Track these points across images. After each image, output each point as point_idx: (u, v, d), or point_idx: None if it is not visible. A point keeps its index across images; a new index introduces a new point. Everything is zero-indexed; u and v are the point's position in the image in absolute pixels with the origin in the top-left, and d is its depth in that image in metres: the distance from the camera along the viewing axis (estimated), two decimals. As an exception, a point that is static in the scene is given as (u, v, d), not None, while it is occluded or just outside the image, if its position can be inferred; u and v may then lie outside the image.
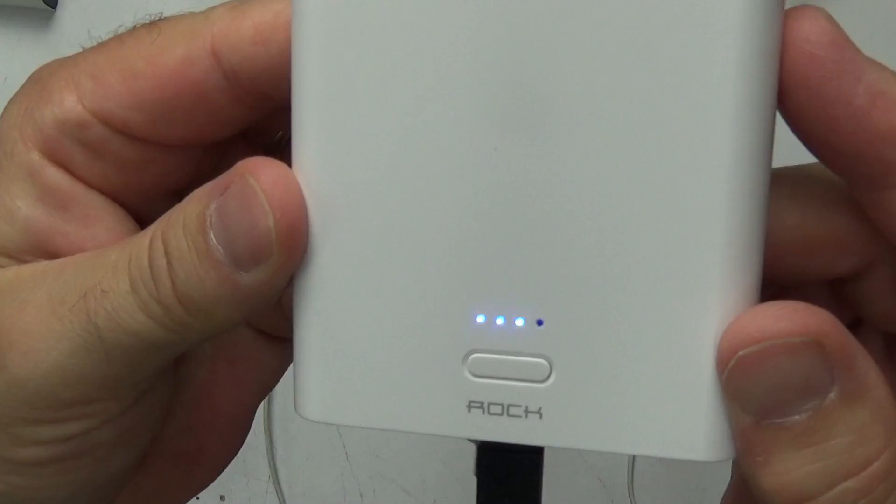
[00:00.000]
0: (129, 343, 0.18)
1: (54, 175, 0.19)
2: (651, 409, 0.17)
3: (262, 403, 0.62)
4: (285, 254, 0.17)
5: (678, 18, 0.16)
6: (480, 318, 0.18)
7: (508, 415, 0.18)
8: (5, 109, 0.20)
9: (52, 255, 0.19)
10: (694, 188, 0.17)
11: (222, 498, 0.59)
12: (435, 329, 0.18)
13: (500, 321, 0.18)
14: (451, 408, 0.18)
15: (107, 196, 0.20)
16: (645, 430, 0.18)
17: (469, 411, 0.18)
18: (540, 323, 0.17)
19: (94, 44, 0.21)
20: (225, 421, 0.25)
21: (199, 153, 0.21)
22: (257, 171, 0.17)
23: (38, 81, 0.20)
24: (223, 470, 0.26)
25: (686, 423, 0.17)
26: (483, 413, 0.18)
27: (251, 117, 0.20)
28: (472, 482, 0.59)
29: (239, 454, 0.63)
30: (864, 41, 0.55)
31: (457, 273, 0.17)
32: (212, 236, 0.17)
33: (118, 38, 0.20)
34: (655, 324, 0.17)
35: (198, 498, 0.62)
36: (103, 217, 0.20)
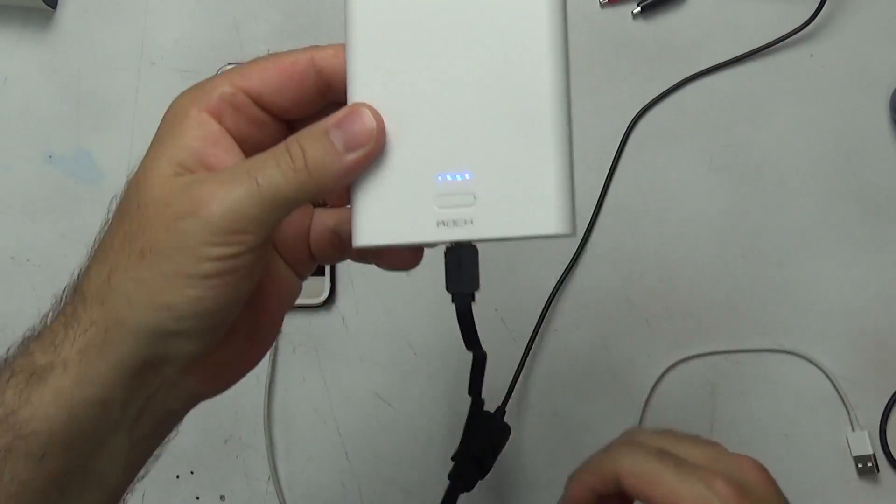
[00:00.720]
0: (272, 194, 0.31)
1: (213, 125, 0.33)
2: (528, 212, 0.32)
3: (262, 405, 0.62)
4: (376, 141, 0.32)
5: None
6: (441, 177, 0.33)
7: (456, 225, 0.33)
8: (179, 96, 0.34)
9: (207, 168, 0.33)
10: (530, 84, 0.32)
11: (222, 498, 0.59)
12: (422, 185, 0.33)
13: (450, 177, 0.33)
14: (430, 226, 0.33)
15: (235, 139, 0.34)
16: (526, 223, 0.32)
17: (437, 227, 0.33)
18: (468, 174, 0.33)
19: None
20: (269, 316, 0.37)
21: (283, 126, 0.35)
22: (364, 103, 0.33)
23: (199, 83, 0.34)
24: (265, 354, 0.38)
25: (547, 215, 0.32)
26: (446, 226, 0.33)
27: (319, 105, 0.34)
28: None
29: (239, 454, 0.63)
30: (869, 40, 0.53)
31: (431, 152, 0.33)
32: (331, 135, 0.32)
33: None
34: (525, 169, 0.32)
35: (198, 498, 0.62)
36: (231, 150, 0.33)
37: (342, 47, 0.34)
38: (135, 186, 0.33)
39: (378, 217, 0.33)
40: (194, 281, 0.31)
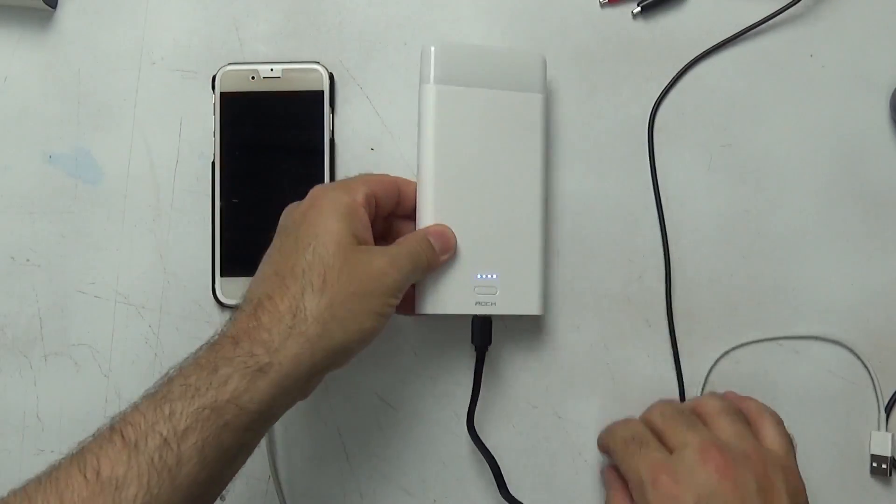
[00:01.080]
0: (415, 272, 0.50)
1: (364, 213, 0.50)
2: (523, 301, 0.55)
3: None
4: (454, 249, 0.53)
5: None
6: (479, 276, 0.54)
7: (485, 305, 0.54)
8: (330, 191, 0.50)
9: (363, 242, 0.49)
10: (527, 215, 0.56)
11: (222, 498, 0.59)
12: (468, 279, 0.54)
13: (484, 276, 0.54)
14: (470, 305, 0.54)
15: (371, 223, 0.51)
16: (522, 307, 0.55)
17: (475, 305, 0.54)
18: (495, 276, 0.55)
19: None
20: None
21: (379, 220, 0.54)
22: (445, 225, 0.54)
23: (343, 184, 0.51)
24: None
25: (533, 303, 0.56)
26: (479, 305, 0.54)
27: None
28: (471, 483, 0.59)
29: (239, 454, 0.62)
30: (867, 38, 0.53)
31: (475, 256, 0.54)
32: (430, 241, 0.52)
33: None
34: (524, 277, 0.55)
35: (198, 498, 0.61)
36: (369, 231, 0.50)
37: (415, 183, 0.54)
38: (334, 248, 0.48)
39: (438, 296, 0.54)
40: (377, 317, 0.48)
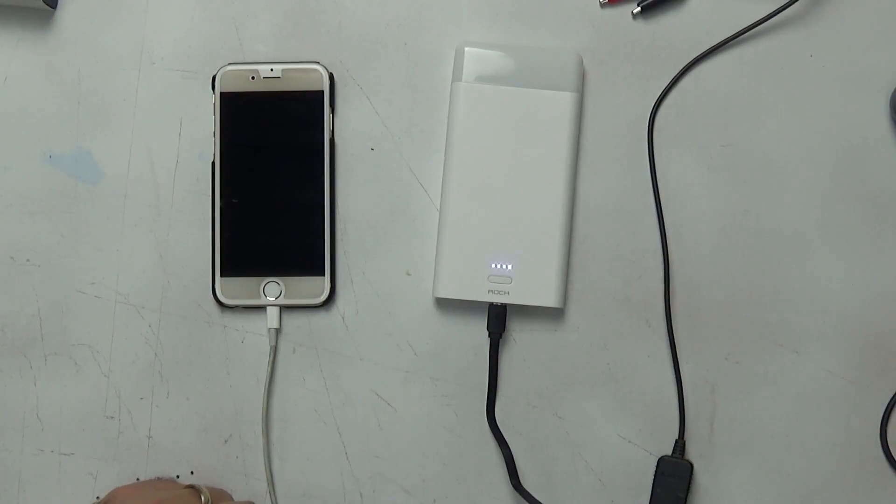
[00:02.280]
0: None
1: None
2: (540, 291, 0.57)
3: (261, 404, 0.62)
4: None
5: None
6: (493, 265, 0.57)
7: (499, 294, 0.56)
8: None
9: None
10: (551, 205, 0.57)
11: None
12: (482, 265, 0.57)
13: (499, 266, 0.57)
14: (483, 292, 0.56)
15: None
16: (539, 297, 0.57)
17: (488, 293, 0.56)
18: (510, 265, 0.57)
19: None
20: None
21: None
22: None
23: None
24: None
25: (550, 294, 0.57)
26: (493, 293, 0.56)
27: None
28: (472, 483, 0.59)
29: (239, 454, 0.64)
30: (865, 40, 0.53)
31: (490, 244, 0.57)
32: None
33: None
34: (541, 267, 0.57)
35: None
36: None
37: None
38: None
39: (453, 280, 0.57)
40: None
